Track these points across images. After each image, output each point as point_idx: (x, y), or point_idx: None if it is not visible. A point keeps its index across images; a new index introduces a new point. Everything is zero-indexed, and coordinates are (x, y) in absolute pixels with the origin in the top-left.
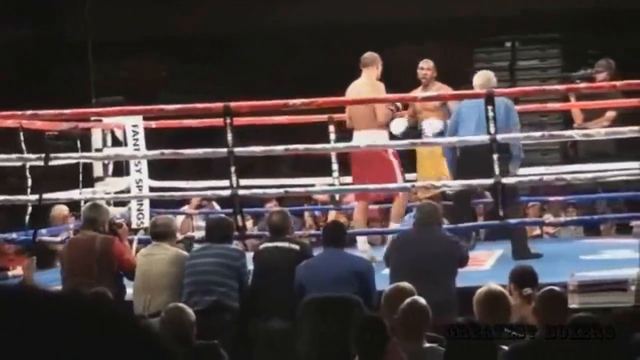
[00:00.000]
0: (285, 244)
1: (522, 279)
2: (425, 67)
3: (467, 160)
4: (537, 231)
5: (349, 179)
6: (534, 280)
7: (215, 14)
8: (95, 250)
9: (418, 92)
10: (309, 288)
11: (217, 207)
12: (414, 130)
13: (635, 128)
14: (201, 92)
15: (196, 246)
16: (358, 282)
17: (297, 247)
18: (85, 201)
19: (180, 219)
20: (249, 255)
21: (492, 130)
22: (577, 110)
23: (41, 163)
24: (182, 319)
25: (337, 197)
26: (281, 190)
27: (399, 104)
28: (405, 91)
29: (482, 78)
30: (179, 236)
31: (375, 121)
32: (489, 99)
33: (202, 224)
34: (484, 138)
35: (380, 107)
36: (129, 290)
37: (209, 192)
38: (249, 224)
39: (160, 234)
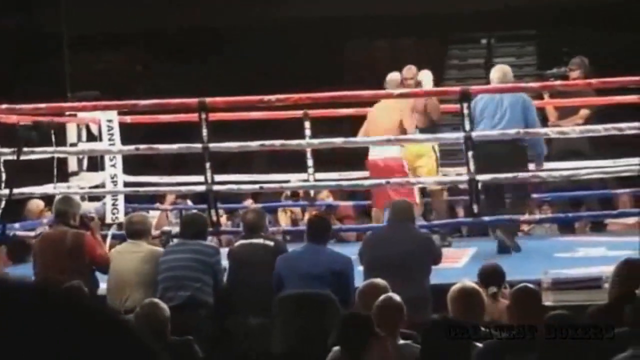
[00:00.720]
0: (260, 241)
1: (488, 277)
2: (409, 76)
3: (482, 155)
4: None
5: (323, 175)
6: (500, 279)
7: (200, 8)
8: (66, 245)
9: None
10: (287, 282)
11: (189, 203)
12: None
13: (610, 126)
14: (182, 88)
15: (172, 242)
16: (337, 281)
17: (271, 243)
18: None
19: (156, 214)
20: (224, 251)
21: (467, 127)
22: (551, 108)
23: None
24: (157, 315)
25: (311, 193)
26: (256, 186)
27: None
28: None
29: (500, 72)
30: (156, 232)
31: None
32: (464, 96)
33: (177, 220)
34: (459, 135)
35: (407, 118)
36: (102, 285)
37: (183, 188)
38: (224, 219)
39: (135, 231)
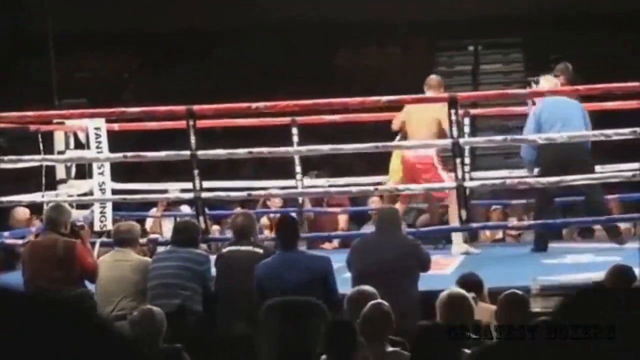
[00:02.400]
0: (249, 248)
1: (466, 286)
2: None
3: (549, 159)
4: (500, 235)
5: (311, 182)
6: (478, 287)
7: (191, 11)
8: (57, 253)
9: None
10: (270, 293)
11: (186, 209)
12: None
13: (597, 132)
14: (171, 92)
15: (161, 249)
16: (319, 284)
17: (260, 251)
18: (48, 204)
19: (149, 220)
20: (214, 258)
21: (455, 134)
22: None
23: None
24: (152, 321)
25: (299, 200)
26: (244, 193)
27: None
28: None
29: (550, 83)
30: (143, 239)
31: (435, 132)
32: (453, 103)
33: (169, 227)
34: (447, 142)
35: (446, 118)
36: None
37: (171, 195)
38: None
39: (123, 240)
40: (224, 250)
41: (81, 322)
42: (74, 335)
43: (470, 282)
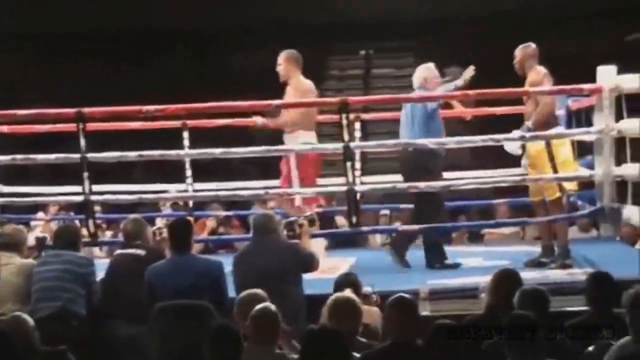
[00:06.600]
0: (132, 251)
1: (341, 287)
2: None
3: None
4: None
5: (202, 185)
6: (353, 287)
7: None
8: None
9: None
10: (160, 295)
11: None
12: None
13: (487, 137)
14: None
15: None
16: (209, 288)
17: (142, 252)
18: None
19: (39, 224)
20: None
21: (345, 138)
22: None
23: None
24: (20, 328)
25: (190, 203)
26: (135, 196)
27: None
28: (262, 98)
29: (429, 72)
30: (31, 241)
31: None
32: (343, 107)
33: None
34: (338, 146)
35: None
36: None
37: (61, 198)
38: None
39: (6, 244)
40: (114, 254)
41: None
42: None
43: (345, 282)
